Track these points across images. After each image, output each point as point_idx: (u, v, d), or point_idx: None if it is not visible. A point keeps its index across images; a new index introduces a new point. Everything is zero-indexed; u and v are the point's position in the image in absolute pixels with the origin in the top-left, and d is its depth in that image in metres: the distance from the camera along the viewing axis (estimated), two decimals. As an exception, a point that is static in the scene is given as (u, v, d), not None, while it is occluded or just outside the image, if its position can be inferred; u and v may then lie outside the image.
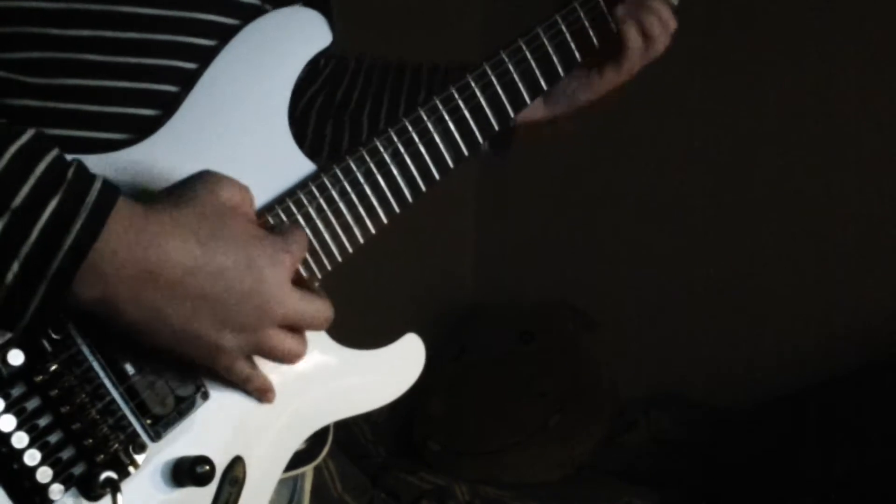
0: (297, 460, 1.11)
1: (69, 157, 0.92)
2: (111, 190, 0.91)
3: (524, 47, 1.21)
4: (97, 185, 0.90)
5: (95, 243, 0.88)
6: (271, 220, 1.05)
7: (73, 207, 0.88)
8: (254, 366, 1.01)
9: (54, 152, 0.90)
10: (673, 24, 1.32)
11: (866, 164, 3.04)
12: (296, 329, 1.00)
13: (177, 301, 0.91)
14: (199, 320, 0.93)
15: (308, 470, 1.20)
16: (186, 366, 0.99)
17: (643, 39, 1.29)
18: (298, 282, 1.00)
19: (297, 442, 1.09)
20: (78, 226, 0.87)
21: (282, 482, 1.13)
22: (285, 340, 0.99)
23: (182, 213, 0.93)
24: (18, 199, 0.86)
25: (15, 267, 0.87)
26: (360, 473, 2.95)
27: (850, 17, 3.00)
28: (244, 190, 0.99)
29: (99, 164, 0.97)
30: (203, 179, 0.97)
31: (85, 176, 0.90)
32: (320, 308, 1.01)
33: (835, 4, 3.03)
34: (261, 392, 1.03)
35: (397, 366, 1.15)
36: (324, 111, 1.39)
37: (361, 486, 2.91)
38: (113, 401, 0.95)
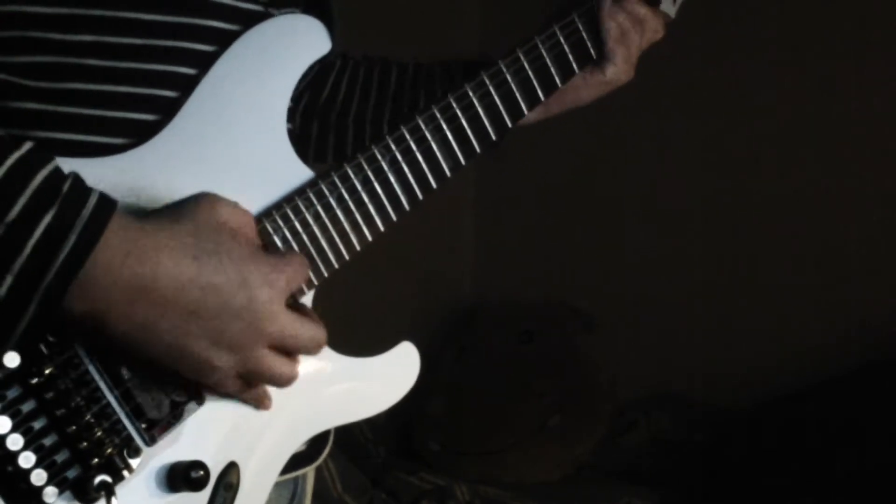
0: (297, 462, 1.12)
1: (67, 166, 0.92)
2: (107, 203, 0.90)
3: (522, 58, 1.20)
4: (93, 200, 0.90)
5: (89, 257, 0.88)
6: (269, 227, 1.05)
7: (67, 222, 0.87)
8: (245, 383, 1.00)
9: (51, 165, 0.90)
10: (659, 34, 1.32)
11: (866, 164, 3.04)
12: (288, 352, 0.99)
13: (169, 316, 0.91)
14: (191, 336, 0.93)
15: (309, 471, 1.20)
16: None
17: (625, 51, 1.29)
18: (293, 306, 0.99)
19: (293, 447, 1.09)
20: (72, 241, 0.87)
21: (282, 484, 1.14)
22: (276, 362, 0.98)
23: (178, 229, 0.93)
24: (13, 212, 0.86)
25: (8, 281, 0.87)
26: (360, 474, 2.95)
27: (851, 17, 3.00)
28: (245, 213, 0.99)
29: (98, 167, 0.98)
30: (202, 199, 0.97)
31: (81, 189, 0.90)
32: (313, 331, 1.00)
33: (835, 4, 3.03)
34: (256, 402, 1.03)
35: (392, 374, 1.15)
36: (308, 112, 1.39)
37: (361, 486, 2.91)
38: (108, 405, 0.95)
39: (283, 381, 1.00)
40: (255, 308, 0.94)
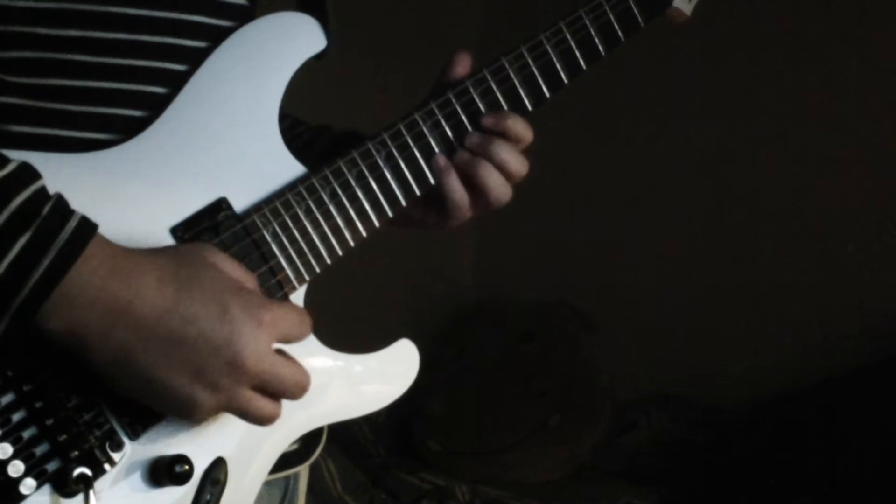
0: (289, 460, 1.11)
1: (50, 162, 0.91)
2: (87, 227, 0.90)
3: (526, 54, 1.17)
4: (72, 223, 0.89)
5: (66, 277, 0.87)
6: (258, 222, 1.05)
7: (42, 244, 0.87)
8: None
9: (34, 186, 0.89)
10: (524, 170, 1.21)
11: (866, 165, 3.04)
12: (269, 393, 0.96)
13: (147, 344, 0.90)
14: (169, 368, 0.90)
15: (302, 470, 1.19)
16: None
17: (472, 194, 1.18)
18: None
19: (283, 445, 1.08)
20: (45, 263, 0.87)
21: (273, 483, 1.13)
22: (261, 404, 0.95)
23: (163, 257, 0.93)
24: None
25: None
26: (360, 474, 2.95)
27: (850, 16, 3.00)
28: (233, 260, 0.98)
29: (84, 163, 0.97)
30: (193, 242, 0.97)
31: (61, 212, 0.89)
32: (299, 375, 0.97)
33: (835, 4, 3.03)
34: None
35: (390, 372, 1.13)
36: None
37: (362, 486, 2.91)
38: (90, 397, 0.94)
39: (267, 423, 0.97)
40: (238, 343, 0.91)
